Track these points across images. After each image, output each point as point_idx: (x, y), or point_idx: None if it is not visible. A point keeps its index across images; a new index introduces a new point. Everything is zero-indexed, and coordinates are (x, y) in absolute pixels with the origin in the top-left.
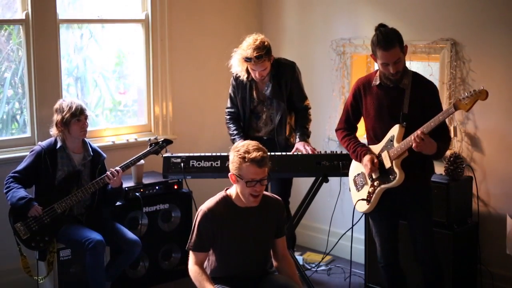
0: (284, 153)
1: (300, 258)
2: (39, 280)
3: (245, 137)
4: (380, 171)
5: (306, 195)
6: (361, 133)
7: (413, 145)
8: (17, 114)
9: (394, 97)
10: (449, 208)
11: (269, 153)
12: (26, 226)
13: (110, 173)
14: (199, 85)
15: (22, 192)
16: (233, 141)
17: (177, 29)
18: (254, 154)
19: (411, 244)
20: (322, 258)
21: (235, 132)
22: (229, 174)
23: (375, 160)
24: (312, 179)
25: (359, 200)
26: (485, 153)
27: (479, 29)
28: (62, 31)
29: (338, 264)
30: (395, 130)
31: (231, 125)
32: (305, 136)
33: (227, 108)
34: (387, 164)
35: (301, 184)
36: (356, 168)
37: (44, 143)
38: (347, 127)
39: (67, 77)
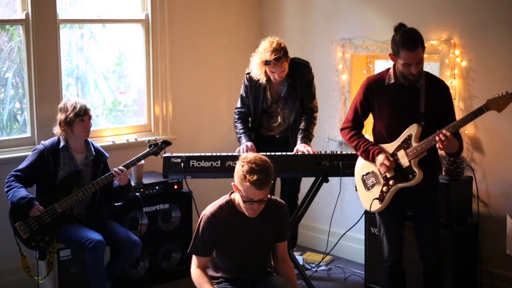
0: (284, 153)
1: (300, 258)
2: (39, 280)
3: (255, 136)
4: (395, 170)
5: (306, 195)
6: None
7: (438, 144)
8: (17, 114)
9: (410, 97)
10: (449, 208)
11: (269, 153)
12: (27, 226)
13: (115, 172)
14: (199, 85)
15: (23, 192)
16: (239, 139)
17: (177, 29)
18: (256, 177)
19: (416, 242)
20: (322, 258)
21: (241, 130)
22: (232, 183)
23: (391, 159)
24: (312, 179)
25: (374, 199)
26: (485, 153)
27: (479, 29)
28: (63, 31)
29: (338, 264)
30: (412, 129)
31: (238, 124)
32: (306, 140)
33: (237, 108)
34: (405, 163)
35: (301, 184)
36: (364, 166)
37: (47, 142)
38: (355, 126)
39: (67, 77)
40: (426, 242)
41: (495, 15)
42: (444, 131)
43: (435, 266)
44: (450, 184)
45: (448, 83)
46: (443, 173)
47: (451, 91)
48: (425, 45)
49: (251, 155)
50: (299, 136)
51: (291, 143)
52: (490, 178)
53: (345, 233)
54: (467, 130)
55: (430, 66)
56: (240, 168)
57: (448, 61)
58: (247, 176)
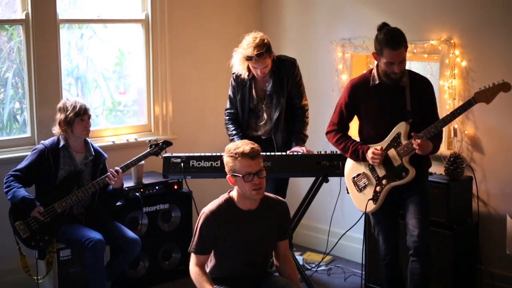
0: (284, 153)
1: (300, 258)
2: (38, 279)
3: (243, 137)
4: (387, 169)
5: (306, 195)
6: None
7: (417, 150)
8: (17, 114)
9: (396, 96)
10: (449, 208)
11: (268, 153)
12: (26, 225)
13: (111, 174)
14: (199, 85)
15: (23, 192)
16: (232, 141)
17: (177, 29)
18: (243, 148)
19: (406, 230)
20: (322, 258)
21: (233, 132)
22: (227, 177)
23: (379, 147)
24: (312, 179)
25: (369, 200)
26: (485, 153)
27: (479, 29)
28: (63, 31)
29: (338, 264)
30: (401, 128)
31: (230, 126)
32: (300, 141)
33: (227, 109)
34: (396, 161)
35: (301, 184)
36: (353, 168)
37: (47, 142)
38: (340, 129)
39: (68, 77)
40: (413, 227)
41: (495, 15)
42: (418, 140)
43: (421, 255)
44: (450, 184)
45: (448, 83)
46: (444, 173)
47: (450, 91)
48: (425, 45)
49: (234, 143)
50: (293, 140)
51: (275, 143)
52: (490, 178)
53: (345, 233)
54: (467, 130)
55: (430, 66)
56: (227, 155)
57: (448, 61)
58: (237, 151)
